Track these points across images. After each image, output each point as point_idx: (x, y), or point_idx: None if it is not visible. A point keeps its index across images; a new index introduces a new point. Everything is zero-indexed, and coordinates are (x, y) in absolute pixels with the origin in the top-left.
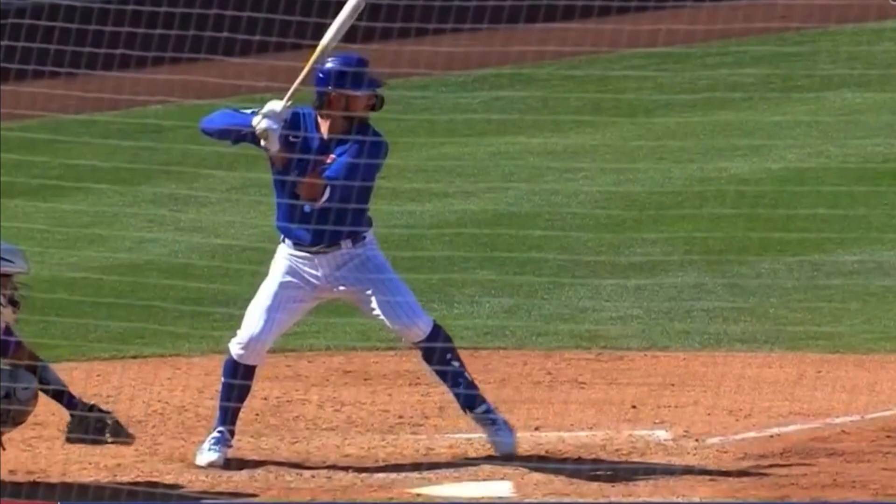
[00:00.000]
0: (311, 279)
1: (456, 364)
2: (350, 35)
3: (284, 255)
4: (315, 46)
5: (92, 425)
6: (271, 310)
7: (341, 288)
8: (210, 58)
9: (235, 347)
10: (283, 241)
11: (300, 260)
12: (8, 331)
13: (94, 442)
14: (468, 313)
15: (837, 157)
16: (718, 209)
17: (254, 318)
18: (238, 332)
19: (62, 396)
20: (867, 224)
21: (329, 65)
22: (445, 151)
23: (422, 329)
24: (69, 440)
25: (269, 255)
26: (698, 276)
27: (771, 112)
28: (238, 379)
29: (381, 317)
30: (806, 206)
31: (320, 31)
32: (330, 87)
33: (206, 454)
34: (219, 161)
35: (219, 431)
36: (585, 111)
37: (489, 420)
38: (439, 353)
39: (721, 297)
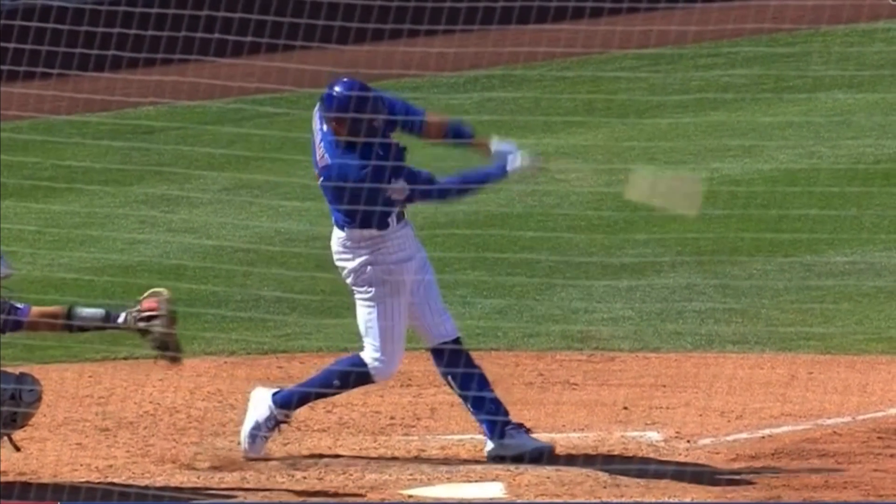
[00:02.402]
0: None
1: (486, 386)
2: (342, 37)
3: (397, 245)
4: (306, 48)
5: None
6: (402, 326)
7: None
8: (201, 59)
9: (377, 362)
10: (382, 229)
11: (410, 239)
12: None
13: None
14: (459, 314)
15: (829, 158)
16: (710, 210)
17: (399, 342)
18: (378, 347)
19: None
20: (858, 225)
21: (337, 91)
22: (437, 152)
23: (451, 327)
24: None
25: (263, 255)
26: (690, 277)
27: (762, 113)
28: (353, 377)
29: (425, 300)
30: (797, 206)
31: (312, 32)
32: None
33: (260, 443)
34: (210, 162)
35: (285, 416)
36: (577, 112)
37: (523, 431)
38: (462, 368)
39: (712, 298)
